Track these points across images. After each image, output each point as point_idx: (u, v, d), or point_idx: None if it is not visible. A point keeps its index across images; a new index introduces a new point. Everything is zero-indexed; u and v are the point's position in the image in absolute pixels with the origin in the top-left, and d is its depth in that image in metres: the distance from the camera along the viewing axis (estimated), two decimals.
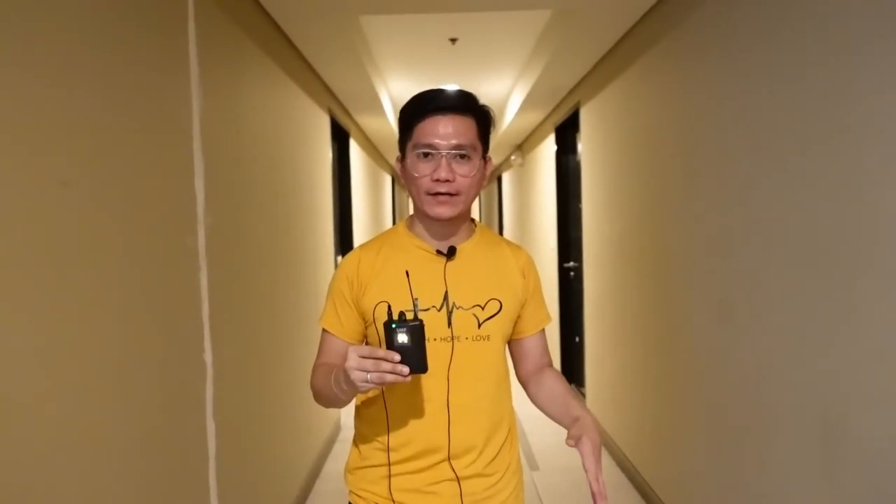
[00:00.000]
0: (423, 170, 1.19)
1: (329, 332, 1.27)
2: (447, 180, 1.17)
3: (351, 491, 1.31)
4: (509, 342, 1.35)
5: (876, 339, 1.43)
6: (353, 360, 1.02)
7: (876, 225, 1.43)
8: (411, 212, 1.32)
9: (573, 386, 5.10)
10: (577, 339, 4.98)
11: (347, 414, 4.59)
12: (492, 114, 1.26)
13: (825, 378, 1.62)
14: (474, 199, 1.25)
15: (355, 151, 5.46)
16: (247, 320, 2.31)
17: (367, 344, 1.28)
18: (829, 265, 1.58)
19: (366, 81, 4.03)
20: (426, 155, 1.19)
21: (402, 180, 1.26)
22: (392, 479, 1.23)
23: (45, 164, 1.20)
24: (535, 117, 5.46)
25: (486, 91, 5.29)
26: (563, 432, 1.22)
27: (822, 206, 1.61)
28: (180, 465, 1.72)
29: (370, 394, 1.25)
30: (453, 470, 1.22)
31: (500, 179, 9.78)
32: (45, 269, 1.19)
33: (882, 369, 1.42)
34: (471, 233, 1.31)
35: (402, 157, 1.25)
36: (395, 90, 5.19)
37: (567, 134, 5.01)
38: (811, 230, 1.66)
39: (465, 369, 1.22)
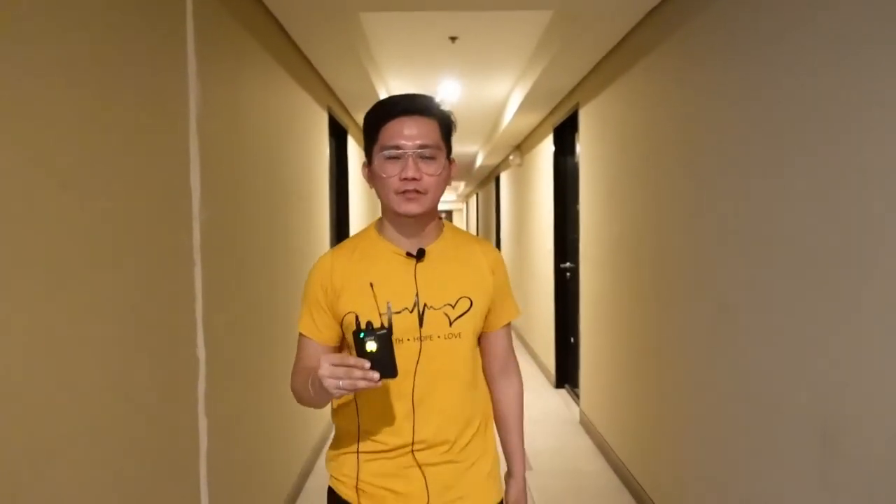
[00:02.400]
0: (390, 170, 1.21)
1: (306, 337, 1.29)
2: (414, 179, 1.20)
3: (331, 475, 1.36)
4: (482, 336, 1.38)
5: (876, 343, 1.43)
6: (325, 369, 1.04)
7: (877, 227, 1.42)
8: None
9: (567, 387, 5.10)
10: (571, 339, 4.98)
11: None
12: (453, 117, 1.29)
13: (824, 382, 1.61)
14: (440, 198, 1.28)
15: (353, 149, 5.45)
16: (241, 316, 2.30)
17: (345, 347, 1.30)
18: (829, 267, 1.58)
19: (365, 79, 4.02)
20: (392, 157, 1.21)
21: (370, 185, 1.28)
22: (361, 465, 1.28)
23: (39, 159, 1.19)
24: (534, 118, 5.46)
25: (486, 91, 5.28)
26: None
27: (822, 208, 1.61)
28: (172, 461, 1.71)
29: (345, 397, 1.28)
30: (416, 461, 1.26)
31: (497, 179, 9.77)
32: (38, 264, 1.18)
33: (882, 373, 1.41)
34: (439, 232, 1.32)
35: (369, 163, 1.27)
36: (395, 88, 5.18)
37: (566, 135, 5.01)
38: (811, 233, 1.65)
39: (435, 367, 1.25)
